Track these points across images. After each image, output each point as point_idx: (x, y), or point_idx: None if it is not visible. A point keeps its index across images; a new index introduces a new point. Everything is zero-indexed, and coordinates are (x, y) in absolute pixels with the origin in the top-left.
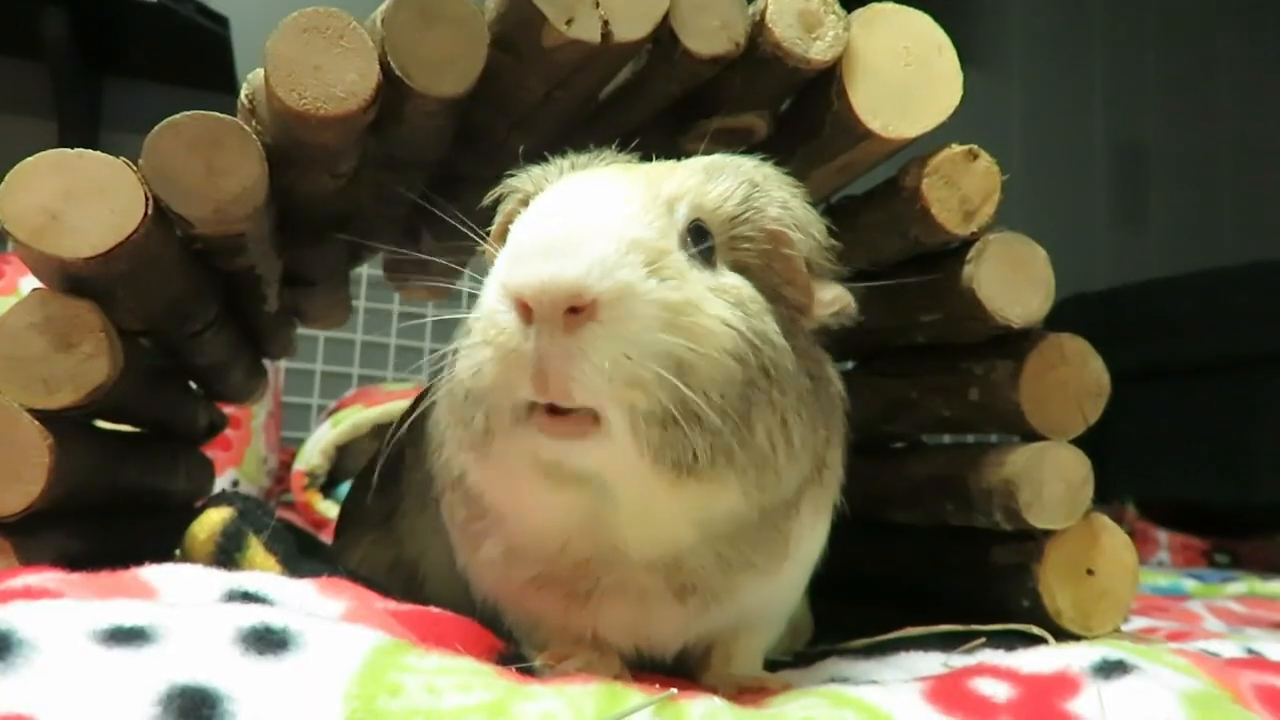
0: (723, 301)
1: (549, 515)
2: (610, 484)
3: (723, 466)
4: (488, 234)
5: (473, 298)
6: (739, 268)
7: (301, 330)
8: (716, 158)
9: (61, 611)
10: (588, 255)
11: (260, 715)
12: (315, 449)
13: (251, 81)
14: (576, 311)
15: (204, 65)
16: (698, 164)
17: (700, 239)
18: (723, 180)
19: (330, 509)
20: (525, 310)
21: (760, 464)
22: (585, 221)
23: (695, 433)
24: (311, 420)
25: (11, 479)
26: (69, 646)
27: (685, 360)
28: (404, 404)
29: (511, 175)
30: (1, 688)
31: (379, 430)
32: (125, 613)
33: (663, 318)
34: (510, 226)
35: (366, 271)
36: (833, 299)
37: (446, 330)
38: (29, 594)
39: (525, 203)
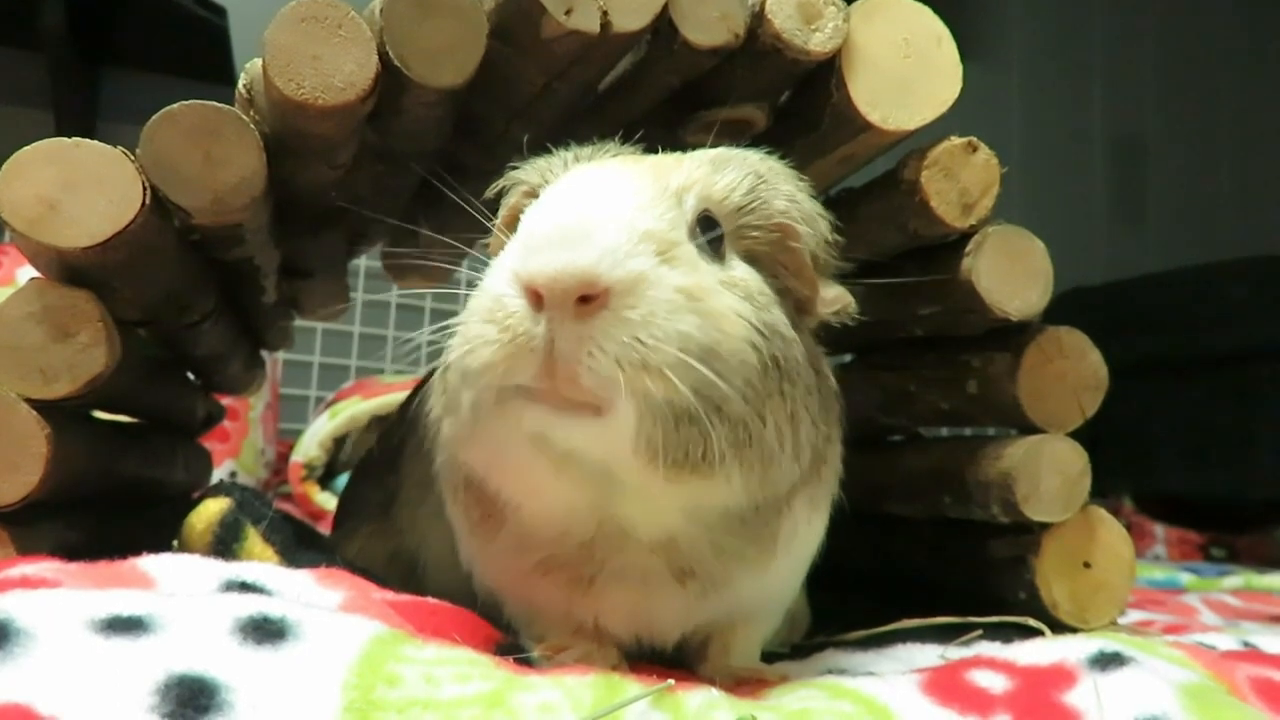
0: (732, 293)
1: (554, 498)
2: (612, 466)
3: (730, 461)
4: (490, 225)
5: (473, 289)
6: (748, 258)
7: (299, 322)
8: (722, 150)
9: (59, 601)
10: (600, 244)
11: (258, 705)
12: (313, 441)
13: (249, 71)
14: (588, 300)
15: (202, 55)
16: (704, 156)
17: (709, 229)
18: (729, 172)
19: (328, 501)
20: (536, 298)
21: (766, 459)
22: (597, 212)
23: (714, 425)
24: (309, 412)
25: (9, 469)
26: (67, 636)
27: (706, 343)
28: (402, 396)
29: (515, 167)
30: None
31: (377, 422)
32: (123, 602)
33: (676, 302)
34: (517, 218)
35: (364, 263)
36: (835, 297)
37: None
38: (27, 584)
39: (531, 194)
